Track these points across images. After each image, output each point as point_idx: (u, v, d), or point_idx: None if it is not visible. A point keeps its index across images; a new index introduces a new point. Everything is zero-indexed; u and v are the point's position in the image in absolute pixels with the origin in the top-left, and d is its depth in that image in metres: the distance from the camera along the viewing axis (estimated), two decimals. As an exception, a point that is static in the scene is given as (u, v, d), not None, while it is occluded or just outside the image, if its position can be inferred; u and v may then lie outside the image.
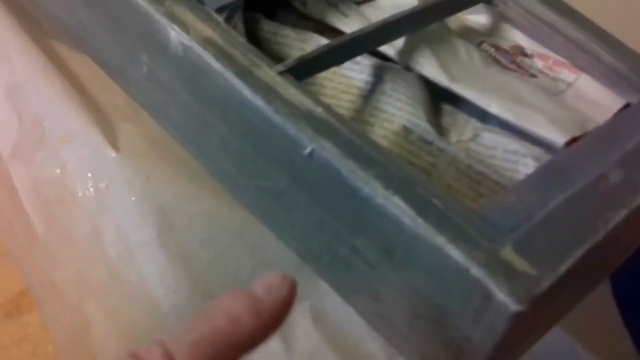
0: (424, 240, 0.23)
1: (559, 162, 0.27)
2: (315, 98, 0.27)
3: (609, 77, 0.33)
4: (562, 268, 0.22)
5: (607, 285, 0.45)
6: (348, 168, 0.25)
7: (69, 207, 0.37)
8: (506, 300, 0.22)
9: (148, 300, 0.37)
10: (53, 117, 0.39)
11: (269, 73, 0.28)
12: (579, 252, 0.23)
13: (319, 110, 0.27)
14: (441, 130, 0.33)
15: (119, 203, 0.38)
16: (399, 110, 0.32)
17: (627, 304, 0.44)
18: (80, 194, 0.38)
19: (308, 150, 0.26)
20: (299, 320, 0.39)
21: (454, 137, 0.33)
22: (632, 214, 0.26)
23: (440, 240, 0.23)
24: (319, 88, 0.34)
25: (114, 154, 0.38)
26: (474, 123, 0.33)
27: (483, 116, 0.33)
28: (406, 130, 0.31)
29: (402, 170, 0.25)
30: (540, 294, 0.22)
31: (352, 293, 0.29)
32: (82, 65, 0.44)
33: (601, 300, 0.44)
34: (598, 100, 0.33)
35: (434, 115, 0.33)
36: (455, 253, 0.23)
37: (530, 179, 0.26)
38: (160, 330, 0.37)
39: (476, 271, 0.22)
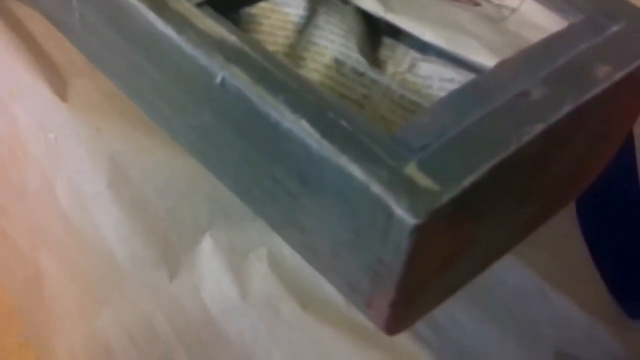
0: (329, 162, 0.23)
1: (481, 81, 0.26)
2: (230, 27, 0.27)
3: (553, 1, 0.32)
4: (465, 182, 0.22)
5: (575, 224, 0.44)
6: (257, 94, 0.24)
7: (20, 161, 0.37)
8: (404, 215, 0.21)
9: (103, 250, 0.37)
10: (2, 72, 0.39)
11: (184, 5, 0.27)
12: (485, 167, 0.22)
13: (232, 38, 0.26)
14: (378, 63, 0.32)
15: (70, 155, 0.38)
16: (331, 43, 0.31)
17: (596, 242, 0.43)
18: (30, 148, 0.38)
19: (219, 78, 0.25)
20: (256, 264, 0.39)
21: (390, 69, 0.32)
22: (560, 131, 0.25)
23: (343, 160, 0.22)
24: (256, 26, 0.34)
25: (62, 106, 0.38)
26: (412, 54, 0.32)
27: (423, 48, 0.32)
28: (337, 63, 0.31)
29: (315, 95, 0.25)
30: (441, 208, 0.21)
31: (281, 226, 0.29)
32: (39, 23, 0.44)
33: (570, 239, 0.44)
34: (541, 24, 0.32)
35: (370, 47, 0.32)
36: (357, 172, 0.22)
37: (448, 98, 0.25)
38: (115, 280, 0.37)
39: (376, 188, 0.22)
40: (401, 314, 0.26)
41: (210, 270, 0.39)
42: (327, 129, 0.23)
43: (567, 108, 0.25)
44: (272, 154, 0.25)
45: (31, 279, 0.36)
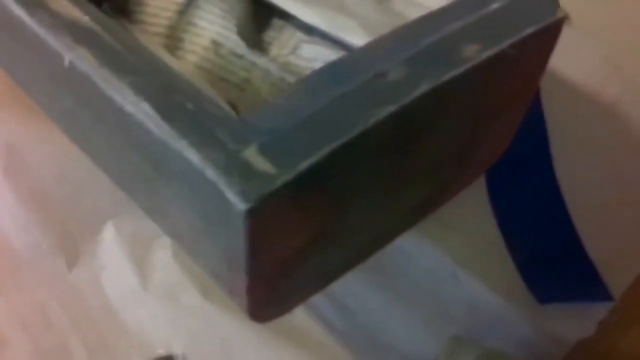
0: (170, 146, 0.22)
1: (344, 62, 0.25)
2: (87, 8, 0.26)
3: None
4: (302, 166, 0.21)
5: (489, 209, 0.43)
6: (102, 77, 0.24)
7: None
8: (235, 200, 0.20)
9: (-1, 239, 0.36)
10: None
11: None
12: (324, 151, 0.22)
13: (84, 19, 0.25)
14: (262, 44, 0.31)
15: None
16: (210, 24, 0.31)
17: (509, 227, 0.43)
18: None
19: (67, 61, 0.24)
20: (159, 253, 0.38)
21: (274, 51, 0.31)
22: (419, 113, 0.25)
23: (182, 144, 0.22)
24: (143, 7, 0.33)
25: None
26: (298, 36, 0.32)
27: (310, 29, 0.32)
28: (215, 44, 0.30)
29: (165, 77, 0.24)
30: (276, 192, 0.21)
31: (151, 212, 0.28)
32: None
33: (484, 223, 0.43)
34: (427, 3, 0.32)
35: (255, 28, 0.32)
36: (193, 156, 0.21)
37: (307, 80, 0.25)
38: (11, 269, 0.36)
39: (211, 173, 0.21)
40: (265, 301, 0.26)
41: (111, 259, 0.38)
42: (170, 112, 0.23)
43: (422, 89, 0.24)
44: (126, 139, 0.25)
45: None
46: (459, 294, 0.40)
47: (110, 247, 0.38)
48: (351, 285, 0.39)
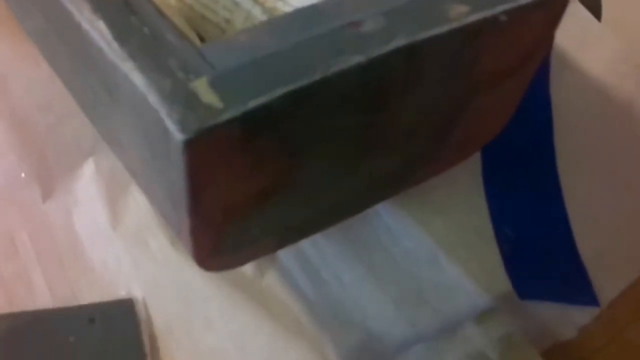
0: (118, 68, 0.21)
1: (320, 7, 0.24)
2: None
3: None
4: (252, 104, 0.20)
5: (482, 197, 0.42)
6: (64, -9, 0.23)
7: None
8: (174, 129, 0.19)
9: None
10: None
11: None
12: (278, 91, 0.20)
13: None
14: (251, -12, 0.30)
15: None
16: (198, -40, 0.29)
17: (500, 216, 0.41)
18: None
19: (33, -28, 0.24)
20: (136, 196, 0.37)
21: (263, -4, 0.30)
22: (393, 69, 0.23)
23: (128, 66, 0.21)
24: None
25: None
26: (291, -17, 0.30)
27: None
28: (200, -20, 0.29)
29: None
30: (219, 126, 0.20)
31: (109, 140, 0.27)
32: None
33: (476, 211, 0.42)
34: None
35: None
36: (138, 79, 0.20)
37: (276, 20, 0.23)
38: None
39: (154, 98, 0.20)
40: (212, 247, 0.25)
41: (85, 195, 0.37)
42: (124, 33, 0.22)
43: (397, 43, 0.22)
44: (85, 61, 0.24)
45: None
46: (437, 279, 0.39)
47: (87, 183, 0.37)
48: (327, 255, 0.38)
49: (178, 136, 0.19)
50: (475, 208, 0.41)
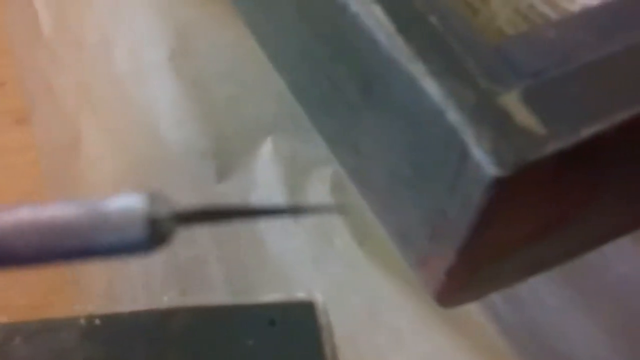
0: (399, 67, 0.17)
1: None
2: None
3: None
4: (586, 132, 0.15)
5: None
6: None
7: (82, 9, 0.33)
8: (484, 160, 0.15)
9: (150, 125, 0.33)
10: None
11: None
12: (620, 115, 0.15)
13: None
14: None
15: (135, 16, 0.33)
16: None
17: None
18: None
19: None
20: (317, 185, 0.33)
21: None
22: None
23: (418, 68, 0.16)
24: None
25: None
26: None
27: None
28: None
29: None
30: (542, 160, 0.15)
31: (335, 142, 0.23)
32: None
33: None
34: None
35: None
36: (432, 87, 0.16)
37: (588, 13, 0.18)
38: (157, 163, 0.33)
39: (453, 115, 0.15)
40: (459, 285, 0.20)
41: (264, 178, 0.34)
42: (407, 23, 0.17)
43: None
44: (334, 47, 0.19)
45: (69, 144, 0.32)
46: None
47: (265, 165, 0.34)
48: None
49: (490, 170, 0.15)
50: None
